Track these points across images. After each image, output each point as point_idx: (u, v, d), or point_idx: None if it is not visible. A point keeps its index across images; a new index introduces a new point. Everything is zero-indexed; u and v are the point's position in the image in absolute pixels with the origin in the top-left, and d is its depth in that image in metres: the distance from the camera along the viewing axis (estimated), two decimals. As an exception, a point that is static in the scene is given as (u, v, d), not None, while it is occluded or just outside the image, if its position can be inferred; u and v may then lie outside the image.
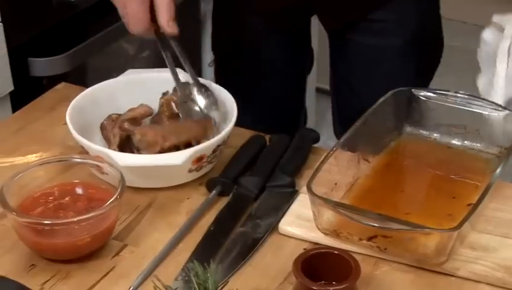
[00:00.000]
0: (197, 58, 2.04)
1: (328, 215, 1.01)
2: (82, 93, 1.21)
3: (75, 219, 0.99)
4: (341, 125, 1.49)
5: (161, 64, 1.31)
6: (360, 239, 1.00)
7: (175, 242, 1.04)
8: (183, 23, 2.01)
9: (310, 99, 2.56)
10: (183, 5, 1.96)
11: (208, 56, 2.05)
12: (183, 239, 1.05)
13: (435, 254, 0.98)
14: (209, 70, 2.03)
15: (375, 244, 1.00)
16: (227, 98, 1.18)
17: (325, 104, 2.29)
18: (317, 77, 2.50)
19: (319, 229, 1.03)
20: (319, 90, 2.58)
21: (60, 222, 0.99)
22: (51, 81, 1.52)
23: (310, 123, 2.56)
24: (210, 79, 1.26)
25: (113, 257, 1.02)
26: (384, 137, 1.17)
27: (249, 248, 1.02)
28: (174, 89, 1.17)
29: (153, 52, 1.95)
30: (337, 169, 1.08)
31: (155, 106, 1.21)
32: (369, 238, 1.00)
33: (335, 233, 1.02)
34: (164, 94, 1.16)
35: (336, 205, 1.00)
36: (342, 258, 0.93)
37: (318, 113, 2.61)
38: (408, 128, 1.20)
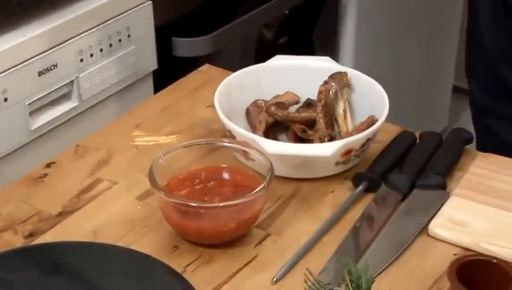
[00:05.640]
0: (335, 49, 2.01)
1: None
2: (229, 77, 1.19)
3: (221, 205, 0.97)
4: None
5: (297, 52, 1.28)
6: None
7: (319, 235, 1.01)
8: (323, 14, 1.99)
9: (446, 97, 2.49)
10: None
11: (346, 46, 2.01)
12: (328, 233, 1.02)
13: None
14: (347, 60, 1.99)
15: None
16: (378, 92, 1.14)
17: (461, 103, 2.21)
18: (455, 75, 2.42)
19: None
20: (455, 89, 2.49)
21: (206, 205, 0.98)
22: (191, 63, 1.51)
23: (443, 122, 2.49)
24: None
25: (256, 245, 1.00)
26: None
27: (396, 248, 0.98)
28: (332, 77, 1.13)
29: (290, 39, 1.93)
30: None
31: (301, 94, 1.19)
32: None
33: None
34: (325, 82, 1.12)
35: None
36: (500, 268, 0.88)
37: (452, 113, 2.52)
38: None
